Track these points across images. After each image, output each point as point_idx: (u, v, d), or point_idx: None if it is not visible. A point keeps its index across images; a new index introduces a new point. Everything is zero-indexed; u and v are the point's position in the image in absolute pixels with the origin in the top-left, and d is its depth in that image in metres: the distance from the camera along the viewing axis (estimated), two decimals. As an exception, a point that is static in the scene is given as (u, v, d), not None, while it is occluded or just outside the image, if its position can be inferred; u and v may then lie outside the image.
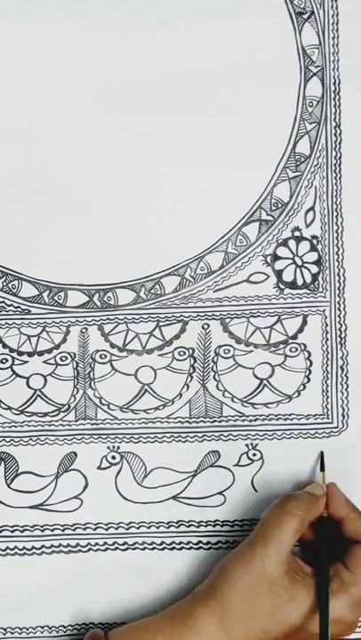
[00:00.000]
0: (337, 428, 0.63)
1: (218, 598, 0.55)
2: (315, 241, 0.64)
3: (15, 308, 0.64)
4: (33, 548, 0.63)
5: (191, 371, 0.64)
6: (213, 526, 0.63)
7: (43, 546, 0.63)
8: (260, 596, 0.54)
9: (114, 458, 0.63)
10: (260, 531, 0.56)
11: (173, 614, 0.56)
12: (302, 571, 0.56)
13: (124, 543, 0.63)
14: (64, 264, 0.64)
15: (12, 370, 0.64)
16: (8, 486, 0.63)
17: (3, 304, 0.64)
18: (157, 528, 0.63)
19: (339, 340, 0.63)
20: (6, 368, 0.64)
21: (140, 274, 0.64)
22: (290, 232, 0.64)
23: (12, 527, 0.63)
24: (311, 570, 0.56)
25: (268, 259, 0.64)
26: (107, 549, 0.63)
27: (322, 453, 0.62)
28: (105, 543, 0.63)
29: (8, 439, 0.63)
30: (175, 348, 0.64)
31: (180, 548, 0.63)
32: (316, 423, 0.63)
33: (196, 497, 0.63)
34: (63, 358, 0.64)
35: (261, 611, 0.54)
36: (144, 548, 0.63)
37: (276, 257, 0.64)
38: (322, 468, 0.61)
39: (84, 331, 0.64)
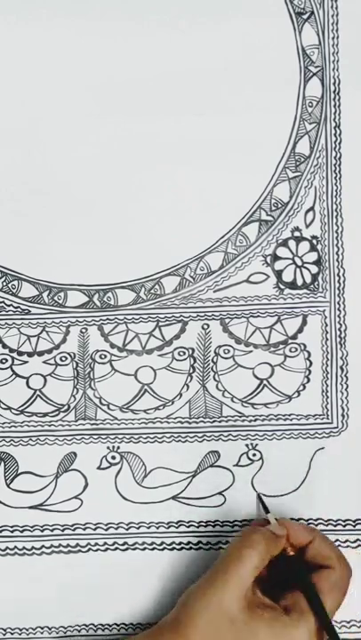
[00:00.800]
0: (337, 428, 0.63)
1: (181, 633, 0.54)
2: (315, 241, 0.64)
3: (15, 308, 0.64)
4: (33, 547, 0.63)
5: (191, 371, 0.64)
6: (213, 526, 0.63)
7: (43, 546, 0.63)
8: (222, 631, 0.53)
9: (114, 458, 0.63)
10: (221, 565, 0.55)
11: None
12: (263, 604, 0.55)
13: (124, 543, 0.63)
14: (64, 264, 0.64)
15: (12, 370, 0.64)
16: (8, 486, 0.63)
17: (3, 304, 0.64)
18: (157, 528, 0.63)
19: (339, 340, 0.63)
20: (6, 368, 0.63)
21: (140, 274, 0.64)
22: (290, 232, 0.64)
23: (11, 527, 0.63)
24: (271, 603, 0.55)
25: (268, 259, 0.64)
26: (107, 549, 0.63)
27: (259, 495, 0.62)
28: (105, 543, 0.63)
29: (8, 439, 0.63)
30: (175, 349, 0.64)
31: (180, 548, 0.63)
32: (316, 423, 0.63)
33: (196, 497, 0.63)
34: (63, 358, 0.64)
35: None
36: (144, 549, 0.63)
37: (275, 257, 0.64)
38: (267, 511, 0.60)
39: (83, 331, 0.64)
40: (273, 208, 0.64)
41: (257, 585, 0.56)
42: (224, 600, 0.54)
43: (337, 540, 0.62)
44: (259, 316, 0.64)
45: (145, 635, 0.56)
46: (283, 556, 0.57)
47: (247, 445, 0.63)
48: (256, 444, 0.63)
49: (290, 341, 0.64)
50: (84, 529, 0.63)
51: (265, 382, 0.63)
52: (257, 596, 0.55)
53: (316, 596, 0.55)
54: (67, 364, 0.64)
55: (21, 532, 0.63)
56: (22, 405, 0.63)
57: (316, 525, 0.62)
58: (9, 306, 0.64)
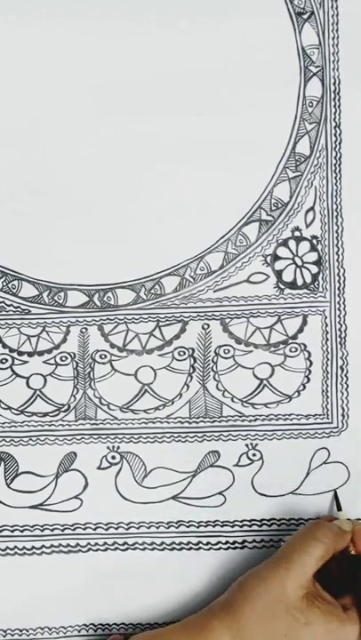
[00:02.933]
0: (337, 428, 0.63)
1: (235, 614, 0.55)
2: (315, 241, 0.64)
3: (15, 307, 0.64)
4: (33, 547, 0.63)
5: (191, 371, 0.64)
6: (213, 526, 0.63)
7: (43, 546, 0.63)
8: (277, 616, 0.54)
9: (114, 458, 0.63)
10: (285, 552, 0.56)
11: (189, 625, 0.56)
12: (321, 597, 0.56)
13: (124, 543, 0.63)
14: (64, 264, 0.64)
15: (12, 370, 0.64)
16: (8, 486, 0.63)
17: (3, 304, 0.64)
18: (157, 528, 0.63)
19: (339, 340, 0.63)
20: (6, 368, 0.64)
21: (140, 274, 0.64)
22: (290, 232, 0.64)
23: (11, 527, 0.63)
24: (330, 597, 0.56)
25: (268, 259, 0.64)
26: (107, 549, 0.63)
27: (335, 493, 0.62)
28: (105, 543, 0.63)
29: (8, 439, 0.63)
30: (175, 348, 0.64)
31: (180, 548, 0.63)
32: (316, 423, 0.63)
33: (196, 497, 0.63)
34: (63, 358, 0.64)
35: (277, 632, 0.54)
36: (144, 548, 0.63)
37: (276, 257, 0.64)
38: (339, 508, 0.62)
39: (83, 331, 0.64)
40: (273, 208, 0.64)
41: (318, 580, 0.56)
42: (284, 586, 0.54)
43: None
44: (259, 315, 0.64)
45: (196, 616, 0.57)
46: (345, 556, 0.58)
47: (247, 445, 0.63)
48: (256, 444, 0.63)
49: (290, 341, 0.64)
50: (84, 529, 0.63)
51: (265, 382, 0.63)
52: (316, 588, 0.56)
53: None
54: (67, 364, 0.64)
55: (21, 531, 0.63)
56: (22, 405, 0.63)
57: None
58: (9, 306, 0.64)
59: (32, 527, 0.63)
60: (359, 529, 0.59)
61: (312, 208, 0.64)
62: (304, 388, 0.63)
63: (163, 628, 0.58)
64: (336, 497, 0.62)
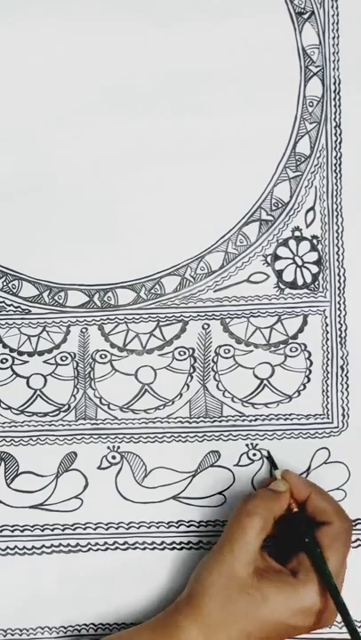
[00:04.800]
0: (337, 427, 0.63)
1: (196, 606, 0.55)
2: (315, 241, 0.64)
3: (15, 307, 0.64)
4: (33, 547, 0.63)
5: (191, 371, 0.64)
6: (213, 526, 0.62)
7: (43, 546, 0.63)
8: (234, 598, 0.54)
9: (114, 458, 0.63)
10: (226, 534, 0.56)
11: (157, 624, 0.57)
12: (270, 568, 0.56)
13: (124, 543, 0.63)
14: (64, 264, 0.64)
15: (12, 370, 0.64)
16: (8, 486, 0.63)
17: (3, 304, 0.64)
18: (157, 528, 0.63)
19: (339, 339, 0.63)
20: (6, 368, 0.64)
21: (140, 274, 0.64)
22: (290, 232, 0.64)
23: (12, 527, 0.63)
24: (278, 566, 0.57)
25: (269, 259, 0.64)
26: (107, 549, 0.63)
27: (268, 453, 0.62)
28: (105, 543, 0.63)
29: (8, 439, 0.63)
30: (175, 348, 0.64)
31: (181, 548, 0.63)
32: (316, 423, 0.63)
33: (196, 497, 0.63)
34: (63, 358, 0.64)
35: (238, 613, 0.54)
36: (144, 548, 0.63)
37: (276, 257, 0.64)
38: (275, 467, 0.61)
39: (84, 330, 0.64)
40: (273, 208, 0.64)
41: (264, 548, 0.57)
42: (233, 567, 0.55)
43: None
44: (259, 315, 0.64)
45: (163, 614, 0.57)
46: (288, 513, 0.58)
47: (247, 445, 0.63)
48: (256, 444, 0.63)
49: (290, 341, 0.64)
50: (85, 529, 0.63)
51: (265, 382, 0.63)
52: (265, 560, 0.56)
53: (318, 555, 0.56)
54: (67, 364, 0.64)
55: (22, 531, 0.63)
56: (22, 405, 0.63)
57: (317, 525, 0.62)
58: (9, 306, 0.64)
59: (32, 527, 0.63)
60: (295, 482, 0.59)
61: (312, 208, 0.64)
62: (304, 387, 0.63)
63: (132, 628, 0.58)
64: (269, 456, 0.62)
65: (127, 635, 0.57)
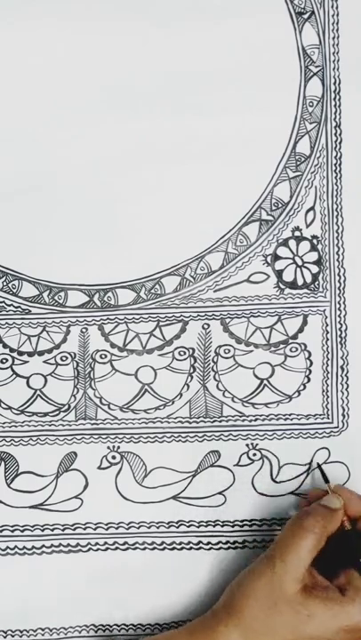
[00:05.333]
0: (337, 427, 0.63)
1: (238, 614, 0.55)
2: (315, 241, 0.64)
3: (15, 307, 0.64)
4: (33, 547, 0.63)
5: (191, 371, 0.64)
6: (213, 526, 0.62)
7: (43, 546, 0.63)
8: (280, 612, 0.54)
9: (114, 458, 0.63)
10: (278, 546, 0.56)
11: (195, 630, 0.57)
12: (318, 585, 0.56)
13: (124, 543, 0.63)
14: (64, 264, 0.64)
15: (13, 370, 0.64)
16: (8, 486, 0.63)
17: (3, 304, 0.64)
18: (157, 528, 0.63)
19: (339, 339, 0.63)
20: (6, 368, 0.64)
21: (140, 274, 0.64)
22: (290, 232, 0.64)
23: (12, 527, 0.63)
24: (326, 582, 0.56)
25: (269, 259, 0.64)
26: (107, 549, 0.63)
27: (319, 465, 0.62)
28: (105, 543, 0.63)
29: (8, 439, 0.63)
30: (175, 348, 0.64)
31: (181, 548, 0.62)
32: (316, 423, 0.63)
33: (196, 497, 0.63)
34: (63, 358, 0.64)
35: (283, 625, 0.54)
36: (144, 548, 0.63)
37: (276, 257, 0.64)
38: (326, 480, 0.61)
39: (84, 330, 0.64)
40: (273, 208, 0.64)
41: (313, 563, 0.56)
42: (282, 581, 0.54)
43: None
44: (259, 315, 0.64)
45: (198, 621, 0.57)
46: (340, 532, 0.57)
47: (247, 445, 0.63)
48: (256, 444, 0.63)
49: (290, 341, 0.64)
50: (85, 529, 0.63)
51: (265, 382, 0.63)
52: (313, 577, 0.56)
53: None
54: (67, 364, 0.64)
55: (22, 531, 0.63)
56: (23, 405, 0.63)
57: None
58: (9, 306, 0.64)
59: (32, 527, 0.63)
60: (349, 497, 0.58)
61: (312, 208, 0.64)
62: (304, 387, 0.63)
63: (169, 632, 0.58)
64: (321, 469, 0.62)
65: (164, 638, 0.57)
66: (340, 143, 0.64)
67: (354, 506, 0.58)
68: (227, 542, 0.62)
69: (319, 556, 0.56)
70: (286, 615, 0.54)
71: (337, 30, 0.64)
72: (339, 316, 0.63)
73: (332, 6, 0.64)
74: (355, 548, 0.57)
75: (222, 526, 0.62)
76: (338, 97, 0.64)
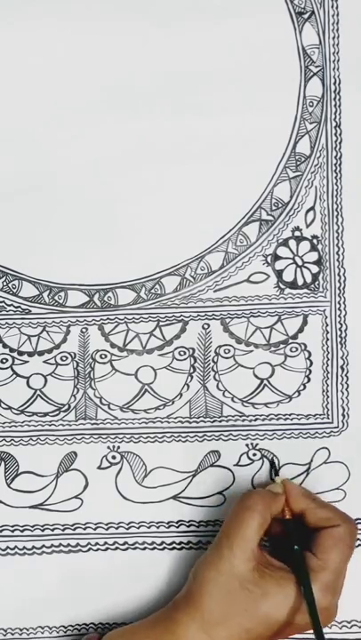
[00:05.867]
0: (337, 427, 0.63)
1: (195, 603, 0.55)
2: (315, 241, 0.64)
3: (15, 307, 0.64)
4: (33, 547, 0.63)
5: (191, 370, 0.64)
6: (213, 526, 0.62)
7: (43, 546, 0.63)
8: (234, 594, 0.54)
9: (114, 458, 0.63)
10: (224, 530, 0.56)
11: (157, 621, 0.57)
12: (270, 564, 0.56)
13: (124, 543, 0.63)
14: (64, 264, 0.64)
15: (13, 370, 0.64)
16: (8, 486, 0.63)
17: (3, 304, 0.64)
18: (157, 528, 0.63)
19: (339, 339, 0.63)
20: (6, 368, 0.64)
21: (140, 274, 0.64)
22: (290, 232, 0.64)
23: (12, 527, 0.63)
24: (278, 562, 0.57)
25: (269, 258, 0.64)
26: (107, 549, 0.63)
27: (271, 460, 0.62)
28: (105, 543, 0.63)
29: (8, 439, 0.63)
30: (175, 348, 0.64)
31: (181, 548, 0.63)
32: (316, 423, 0.63)
33: (196, 497, 0.63)
34: (63, 358, 0.64)
35: (238, 609, 0.54)
36: (144, 548, 0.63)
37: (276, 257, 0.64)
38: (276, 474, 0.62)
39: (84, 330, 0.64)
40: (273, 208, 0.64)
41: (263, 548, 0.57)
42: (232, 563, 0.55)
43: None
44: (259, 315, 0.64)
45: (162, 611, 0.57)
46: (282, 520, 0.58)
47: (247, 445, 0.63)
48: (256, 444, 0.63)
49: (290, 341, 0.64)
50: (85, 529, 0.63)
51: (265, 382, 0.63)
52: (264, 557, 0.56)
53: (303, 570, 0.56)
54: (67, 364, 0.64)
55: (22, 531, 0.63)
56: (23, 405, 0.63)
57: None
58: (9, 306, 0.64)
59: (32, 527, 0.63)
60: (291, 488, 0.59)
61: (312, 208, 0.64)
62: (304, 387, 0.63)
63: (133, 624, 0.58)
64: (272, 464, 0.62)
65: (128, 630, 0.57)
66: (340, 143, 0.64)
67: (297, 500, 0.58)
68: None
69: (273, 540, 0.57)
70: (240, 598, 0.54)
71: (337, 30, 0.64)
72: (339, 316, 0.63)
73: (332, 6, 0.64)
74: (291, 535, 0.57)
75: (222, 526, 0.63)
76: (338, 97, 0.64)
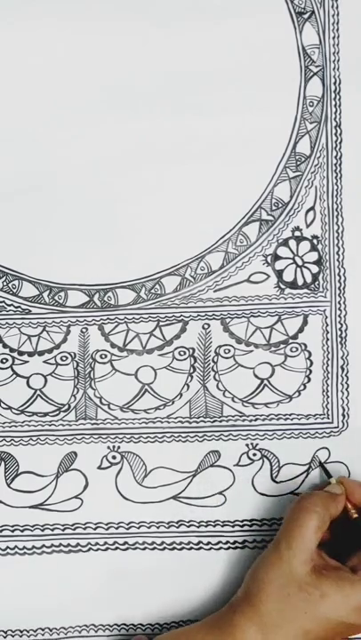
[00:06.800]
0: (337, 427, 0.63)
1: (253, 605, 0.55)
2: (315, 241, 0.64)
3: (15, 307, 0.64)
4: (33, 547, 0.63)
5: (191, 370, 0.64)
6: (213, 526, 0.62)
7: (43, 546, 0.63)
8: (293, 596, 0.54)
9: (114, 458, 0.63)
10: (283, 532, 0.56)
11: (214, 623, 0.57)
12: (328, 565, 0.56)
13: (124, 543, 0.63)
14: (64, 264, 0.64)
15: (13, 370, 0.64)
16: (8, 486, 0.63)
17: (3, 304, 0.64)
18: (157, 528, 0.63)
19: (339, 339, 0.63)
20: (6, 368, 0.64)
21: (140, 274, 0.64)
22: (290, 232, 0.64)
23: (12, 527, 0.63)
24: (336, 563, 0.57)
25: (269, 258, 0.64)
26: (107, 549, 0.63)
27: (320, 462, 0.62)
28: (105, 543, 0.63)
29: (8, 439, 0.63)
30: (175, 348, 0.64)
31: (181, 548, 0.62)
32: (316, 423, 0.63)
33: (196, 497, 0.63)
34: (63, 358, 0.64)
35: (296, 611, 0.54)
36: (144, 548, 0.63)
37: (276, 257, 0.64)
38: (329, 476, 0.61)
39: (84, 330, 0.64)
40: (273, 208, 0.64)
41: (322, 549, 0.56)
42: (291, 565, 0.55)
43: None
44: (259, 315, 0.64)
45: (218, 613, 0.57)
46: (346, 519, 0.58)
47: (248, 445, 0.63)
48: (256, 444, 0.63)
49: (290, 341, 0.64)
50: (85, 528, 0.63)
51: (265, 382, 0.63)
52: (322, 558, 0.56)
53: None
54: (67, 364, 0.64)
55: (22, 531, 0.63)
56: (23, 405, 0.63)
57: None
58: (9, 306, 0.64)
59: (32, 527, 0.63)
60: (350, 485, 0.59)
61: (312, 208, 0.64)
62: (304, 387, 0.63)
63: (188, 627, 0.58)
64: (322, 466, 0.62)
65: (183, 633, 0.57)
66: (340, 143, 0.64)
67: (357, 493, 0.58)
68: (227, 542, 0.62)
69: (329, 544, 0.57)
70: (299, 600, 0.54)
71: (337, 30, 0.64)
72: (339, 316, 0.63)
73: (333, 6, 0.64)
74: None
75: (222, 526, 0.62)
76: (338, 97, 0.64)
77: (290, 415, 0.63)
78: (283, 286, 0.64)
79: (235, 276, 0.64)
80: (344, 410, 0.63)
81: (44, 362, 0.64)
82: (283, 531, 0.56)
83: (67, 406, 0.63)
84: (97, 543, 0.63)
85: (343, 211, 0.64)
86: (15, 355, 0.64)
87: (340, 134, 0.64)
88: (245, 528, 0.62)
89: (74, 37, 0.64)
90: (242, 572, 0.59)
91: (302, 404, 0.63)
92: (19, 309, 0.64)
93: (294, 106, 0.64)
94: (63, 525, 0.63)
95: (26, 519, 0.63)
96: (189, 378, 0.63)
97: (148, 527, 0.63)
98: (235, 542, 0.62)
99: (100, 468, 0.63)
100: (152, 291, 0.64)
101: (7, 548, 0.63)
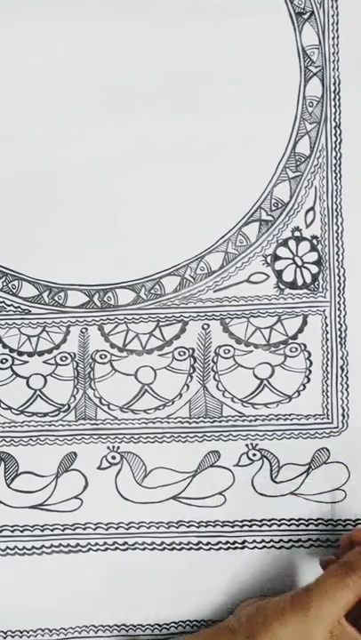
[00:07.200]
0: (337, 428, 0.63)
1: None
2: (315, 241, 0.64)
3: (15, 307, 0.64)
4: (33, 547, 0.63)
5: (191, 371, 0.64)
6: (213, 526, 0.62)
7: (43, 546, 0.63)
8: None
9: (114, 458, 0.63)
10: (313, 597, 0.54)
11: None
12: (347, 634, 0.54)
13: (124, 543, 0.63)
14: (64, 264, 0.64)
15: (12, 370, 0.64)
16: (8, 486, 0.63)
17: (3, 304, 0.64)
18: (157, 528, 0.63)
19: (339, 340, 0.63)
20: (6, 368, 0.64)
21: (140, 274, 0.64)
22: (290, 232, 0.64)
23: (12, 527, 0.63)
24: (355, 632, 0.54)
25: (269, 259, 0.64)
26: (107, 549, 0.63)
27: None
28: (105, 543, 0.63)
29: (8, 439, 0.63)
30: (175, 348, 0.64)
31: (180, 549, 0.62)
32: (316, 423, 0.63)
33: (196, 497, 0.63)
34: (63, 358, 0.64)
35: None
36: (144, 549, 0.63)
37: (276, 257, 0.64)
38: None
39: (84, 331, 0.64)
40: (273, 208, 0.64)
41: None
42: (311, 632, 0.53)
43: (336, 540, 0.62)
44: (259, 315, 0.64)
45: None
46: None
47: (247, 445, 0.63)
48: (256, 444, 0.63)
49: (290, 341, 0.64)
50: (84, 529, 0.63)
51: (265, 382, 0.63)
52: (342, 626, 0.54)
53: None
54: (67, 364, 0.64)
55: (22, 531, 0.63)
56: (22, 405, 0.63)
57: (317, 525, 0.62)
58: (9, 306, 0.64)
59: (32, 527, 0.63)
60: None
61: (312, 208, 0.64)
62: (304, 387, 0.63)
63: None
64: None
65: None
66: (339, 143, 0.64)
67: None
68: (227, 542, 0.62)
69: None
70: None
71: (337, 30, 0.64)
72: (339, 316, 0.63)
73: (332, 6, 0.64)
74: None
75: (222, 526, 0.62)
76: (338, 97, 0.64)
77: (290, 415, 0.63)
78: (282, 286, 0.64)
79: (234, 277, 0.64)
80: (344, 410, 0.63)
81: (44, 362, 0.64)
82: (314, 595, 0.54)
83: (66, 406, 0.63)
84: (97, 543, 0.63)
85: (343, 211, 0.64)
86: (15, 355, 0.64)
87: (340, 134, 0.64)
88: (245, 528, 0.62)
89: (74, 37, 0.64)
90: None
91: (302, 404, 0.63)
92: (18, 309, 0.64)
93: (294, 106, 0.64)
94: (63, 526, 0.63)
95: (26, 519, 0.63)
96: (189, 378, 0.63)
97: (148, 527, 0.63)
98: (235, 542, 0.62)
99: (99, 468, 0.63)
100: (152, 291, 0.64)
101: (7, 548, 0.62)
